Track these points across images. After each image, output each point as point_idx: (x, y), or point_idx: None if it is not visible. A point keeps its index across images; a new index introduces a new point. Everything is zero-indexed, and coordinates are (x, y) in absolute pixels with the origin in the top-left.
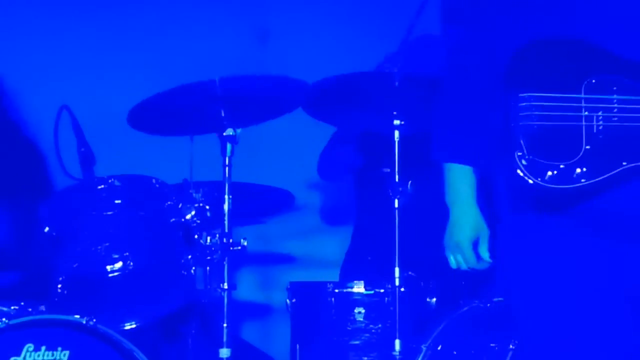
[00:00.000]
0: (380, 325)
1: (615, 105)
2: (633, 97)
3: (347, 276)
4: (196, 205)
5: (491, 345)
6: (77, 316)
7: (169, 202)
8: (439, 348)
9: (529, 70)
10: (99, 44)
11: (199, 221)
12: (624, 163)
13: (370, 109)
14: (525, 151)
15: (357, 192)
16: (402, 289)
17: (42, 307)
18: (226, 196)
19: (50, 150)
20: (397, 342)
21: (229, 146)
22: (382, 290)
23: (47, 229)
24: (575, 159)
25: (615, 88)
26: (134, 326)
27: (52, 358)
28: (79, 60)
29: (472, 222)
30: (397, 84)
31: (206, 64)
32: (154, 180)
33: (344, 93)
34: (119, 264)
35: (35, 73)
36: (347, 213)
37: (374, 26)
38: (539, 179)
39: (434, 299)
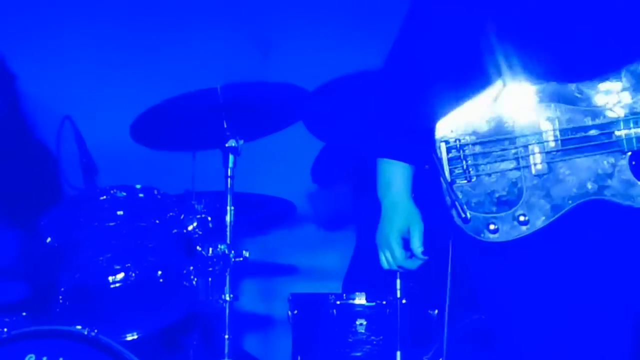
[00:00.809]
0: (381, 337)
1: (551, 139)
2: (569, 127)
3: (350, 287)
4: (198, 216)
5: (493, 358)
6: (79, 327)
7: (171, 213)
8: None
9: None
10: (100, 54)
11: (200, 232)
12: (570, 202)
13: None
14: (462, 207)
15: (357, 202)
16: (404, 301)
17: (44, 318)
18: (228, 207)
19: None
20: (399, 354)
21: (231, 157)
22: (383, 302)
23: (49, 239)
24: (516, 207)
25: (556, 118)
26: (135, 337)
27: None
28: (81, 71)
29: (402, 214)
30: None
31: (209, 74)
32: (155, 191)
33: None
34: (120, 275)
35: (38, 84)
36: (350, 223)
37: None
38: (482, 235)
39: (436, 311)
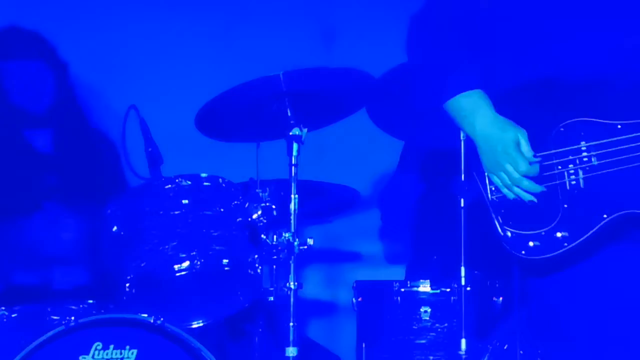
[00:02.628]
0: (446, 325)
1: (584, 154)
2: (602, 141)
3: (413, 274)
4: (262, 204)
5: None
6: (145, 315)
7: (235, 202)
8: (505, 347)
9: None
10: (164, 45)
11: (265, 220)
12: (605, 215)
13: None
14: (503, 226)
15: (422, 191)
16: (468, 288)
17: (111, 306)
18: (292, 196)
19: (119, 149)
20: (463, 342)
21: (295, 146)
22: (448, 290)
23: (115, 228)
24: (554, 223)
25: (582, 133)
26: (201, 325)
27: (120, 357)
28: (146, 61)
29: (505, 126)
30: None
31: (272, 62)
32: (220, 180)
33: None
34: (186, 263)
35: (104, 74)
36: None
37: None
38: (523, 252)
39: (500, 298)
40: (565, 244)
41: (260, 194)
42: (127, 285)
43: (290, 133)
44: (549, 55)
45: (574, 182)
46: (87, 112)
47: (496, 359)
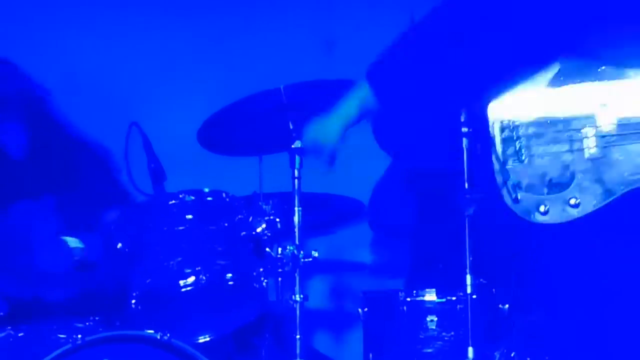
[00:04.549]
0: (452, 333)
1: (607, 123)
2: (625, 111)
3: (413, 284)
4: (266, 218)
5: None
6: (152, 331)
7: (239, 216)
8: (512, 355)
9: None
10: (164, 61)
11: (269, 234)
12: (622, 187)
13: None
14: (515, 189)
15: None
16: (474, 296)
17: (117, 323)
18: (296, 208)
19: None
20: (470, 350)
21: (297, 158)
22: (454, 298)
23: (119, 245)
24: (567, 189)
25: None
26: (207, 339)
27: None
28: (147, 78)
29: None
30: None
31: (272, 75)
32: (224, 195)
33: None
34: (191, 279)
35: (105, 90)
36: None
37: None
38: (532, 217)
39: (507, 306)
40: (577, 212)
41: (264, 207)
42: (133, 301)
43: (293, 146)
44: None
45: (593, 151)
46: (86, 130)
47: None
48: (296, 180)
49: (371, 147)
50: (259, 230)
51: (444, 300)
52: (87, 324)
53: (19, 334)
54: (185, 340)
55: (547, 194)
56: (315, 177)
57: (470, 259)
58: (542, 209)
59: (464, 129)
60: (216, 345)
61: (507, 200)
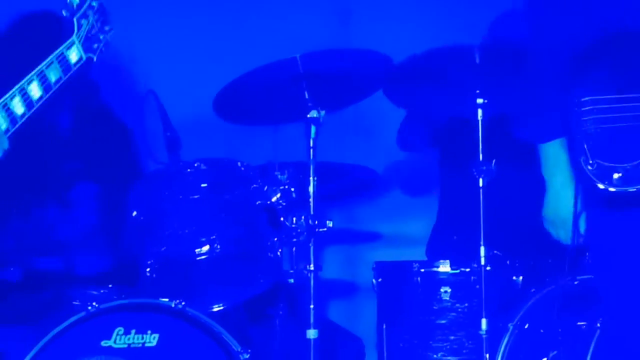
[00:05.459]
0: (466, 304)
1: None
2: None
3: (433, 254)
4: (281, 187)
5: (579, 323)
6: (166, 299)
7: (254, 185)
8: (526, 327)
9: (588, 72)
10: (181, 29)
11: (284, 203)
12: None
13: (451, 89)
14: (589, 155)
15: (441, 169)
16: (488, 268)
17: (132, 291)
18: (311, 178)
19: (137, 134)
20: (484, 321)
21: (313, 128)
22: (468, 270)
23: (135, 213)
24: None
25: None
26: (221, 308)
27: (142, 341)
28: (163, 45)
29: (574, 194)
30: (478, 59)
31: (289, 44)
32: (239, 164)
33: (424, 72)
34: (206, 247)
35: (122, 59)
36: (432, 189)
37: (459, 4)
38: (606, 182)
39: (520, 278)
40: None
41: (279, 177)
42: (148, 270)
43: (308, 115)
44: None
45: None
46: (105, 98)
47: (517, 339)
48: (311, 150)
49: (387, 117)
50: (273, 199)
51: (457, 271)
52: (101, 291)
53: (34, 301)
54: (200, 308)
55: (622, 162)
56: (330, 146)
57: (484, 230)
58: (615, 175)
59: (479, 100)
60: (230, 314)
61: (583, 165)
